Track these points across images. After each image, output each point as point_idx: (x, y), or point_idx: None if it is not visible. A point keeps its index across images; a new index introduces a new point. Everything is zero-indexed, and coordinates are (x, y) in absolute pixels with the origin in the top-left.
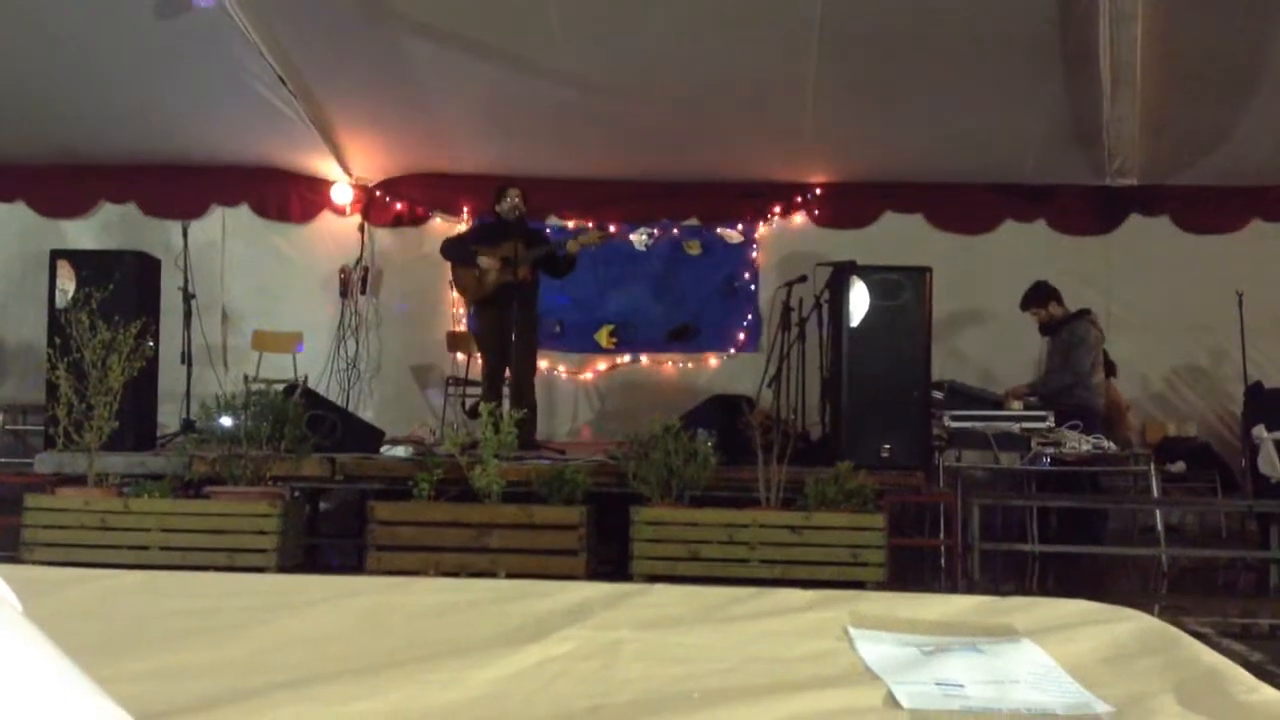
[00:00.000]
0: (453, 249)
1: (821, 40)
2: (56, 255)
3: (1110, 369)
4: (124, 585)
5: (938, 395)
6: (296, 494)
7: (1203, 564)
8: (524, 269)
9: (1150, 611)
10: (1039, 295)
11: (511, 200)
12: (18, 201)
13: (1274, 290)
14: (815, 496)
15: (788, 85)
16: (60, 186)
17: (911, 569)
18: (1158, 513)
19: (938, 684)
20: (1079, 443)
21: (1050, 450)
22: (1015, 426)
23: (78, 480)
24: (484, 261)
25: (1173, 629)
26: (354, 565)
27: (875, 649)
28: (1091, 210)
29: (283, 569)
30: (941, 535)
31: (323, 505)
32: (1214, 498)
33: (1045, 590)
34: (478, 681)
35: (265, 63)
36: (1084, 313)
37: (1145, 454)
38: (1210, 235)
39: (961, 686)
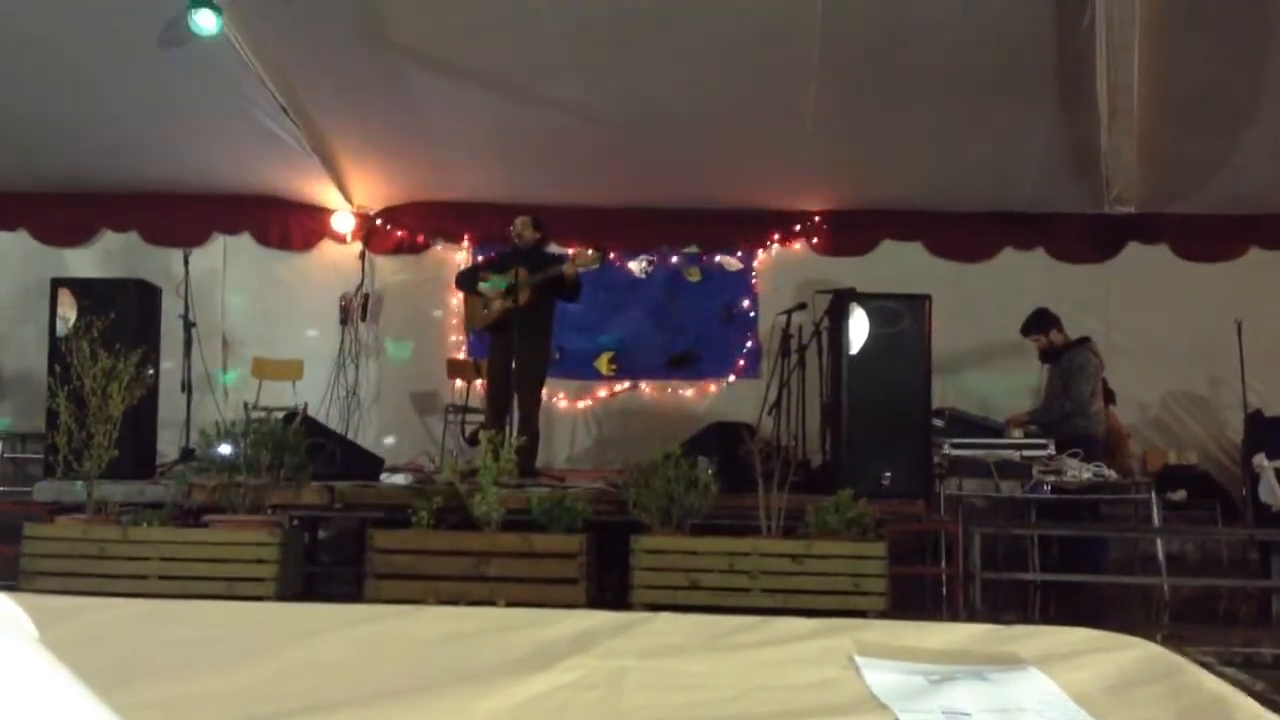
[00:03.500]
0: (463, 278)
1: (820, 69)
2: (58, 283)
3: (1110, 397)
4: (125, 615)
5: (938, 423)
6: (296, 522)
7: (1204, 593)
8: (525, 294)
9: (1153, 641)
10: (1040, 322)
11: (519, 227)
12: (20, 230)
13: (1273, 318)
14: (816, 525)
15: (787, 113)
16: (62, 215)
17: (913, 598)
18: (1159, 541)
19: (944, 712)
20: (1080, 471)
21: (1051, 478)
22: (1016, 454)
23: (77, 509)
24: (485, 288)
25: (1176, 656)
26: (353, 594)
27: (881, 677)
28: (1090, 238)
29: (282, 598)
30: (943, 564)
31: (322, 533)
32: (1215, 526)
33: (1047, 620)
34: (483, 712)
35: (267, 92)
36: (1084, 340)
37: (1146, 482)
38: (1209, 263)
39: (969, 715)
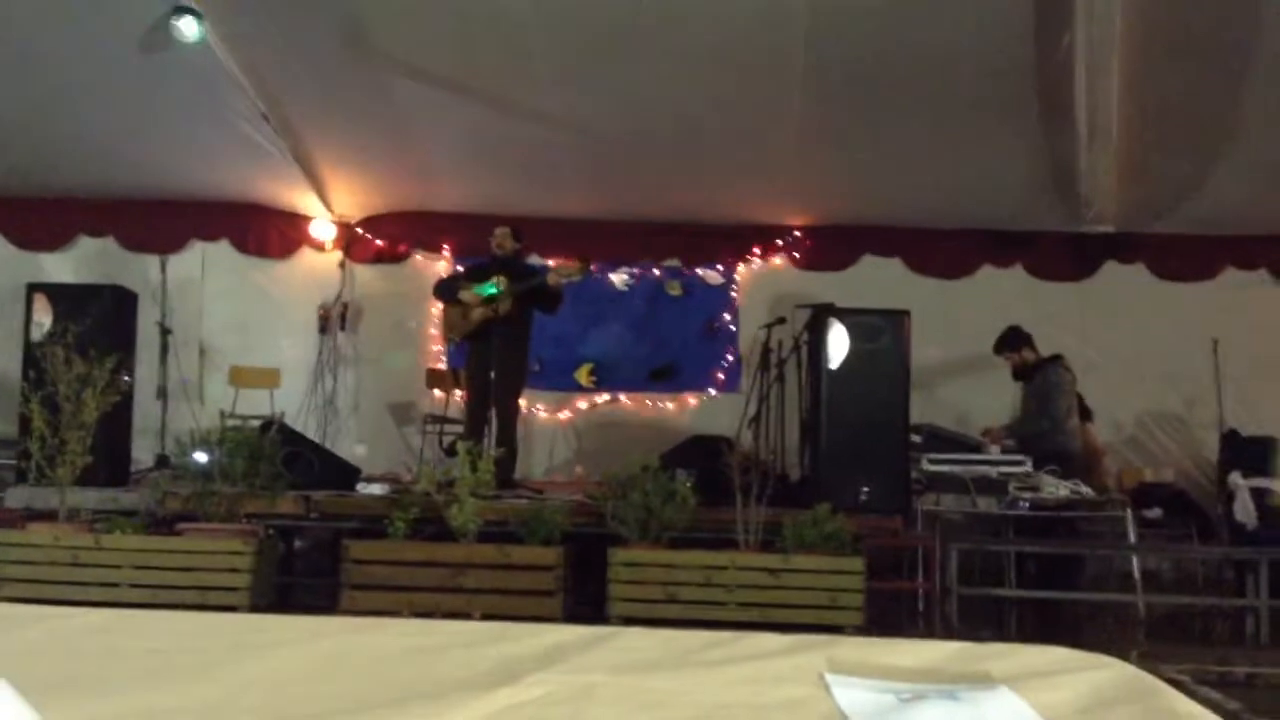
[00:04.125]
0: (443, 288)
1: (804, 85)
2: (33, 288)
3: (1086, 414)
4: (88, 624)
5: (916, 438)
6: (271, 532)
7: (1179, 611)
8: (505, 304)
9: (1128, 658)
10: (1012, 340)
11: (499, 238)
12: None
13: (1248, 338)
14: (794, 539)
15: (770, 129)
16: (38, 219)
17: (889, 613)
18: (1134, 559)
19: None
20: (1056, 487)
21: (1028, 495)
22: (993, 471)
23: (49, 515)
24: (465, 296)
25: (1150, 678)
26: (328, 605)
27: (852, 695)
28: (1068, 256)
29: (255, 608)
30: (920, 579)
31: (298, 543)
32: (1190, 544)
33: (1024, 636)
34: None
35: (248, 98)
36: (1056, 358)
37: (1122, 499)
38: (1185, 282)
39: None
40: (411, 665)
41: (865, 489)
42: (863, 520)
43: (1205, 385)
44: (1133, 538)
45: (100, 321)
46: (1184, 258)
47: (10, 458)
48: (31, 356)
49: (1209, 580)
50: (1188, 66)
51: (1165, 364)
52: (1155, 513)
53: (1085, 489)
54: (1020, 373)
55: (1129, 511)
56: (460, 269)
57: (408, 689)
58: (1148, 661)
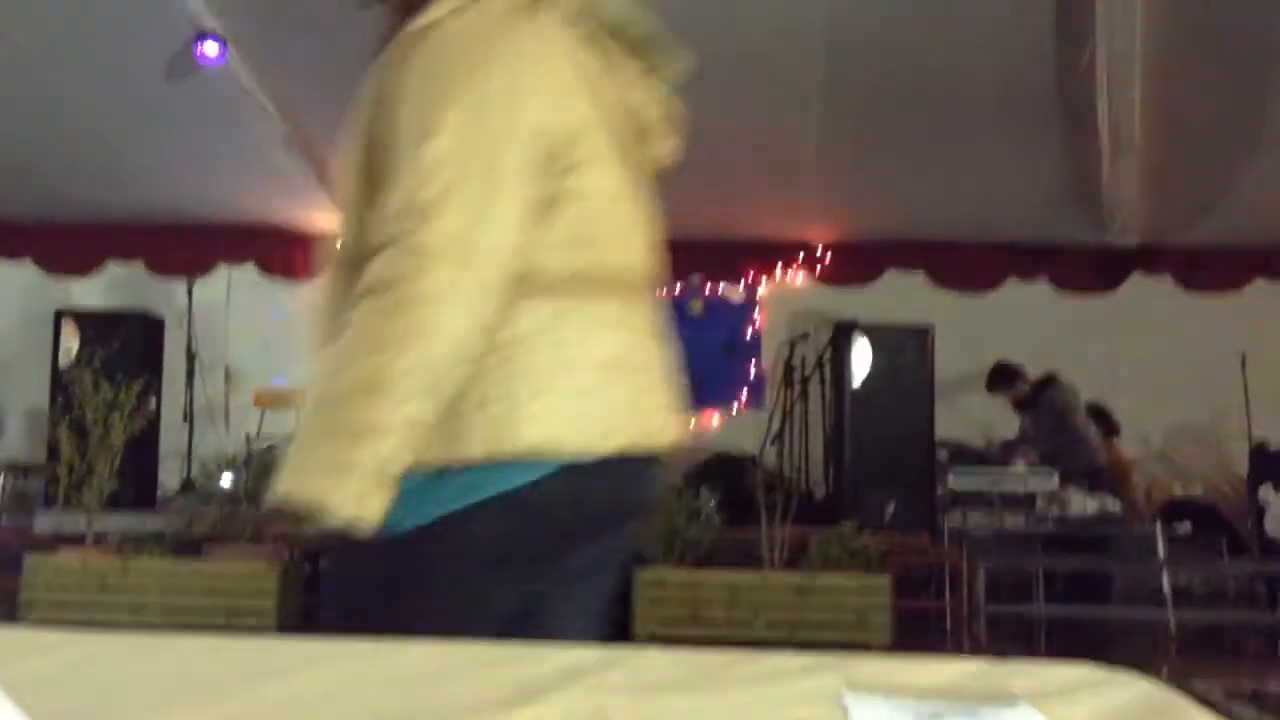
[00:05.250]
0: None
1: (823, 99)
2: (61, 315)
3: (1113, 428)
4: (108, 649)
5: (942, 455)
6: (296, 554)
7: (1211, 627)
8: None
9: (1159, 675)
10: (1005, 376)
11: None
12: (25, 260)
13: (1277, 350)
14: (820, 557)
15: (790, 144)
16: (67, 245)
17: (917, 631)
18: (1165, 575)
19: None
20: (1084, 503)
21: (1055, 511)
22: (1020, 486)
23: (77, 540)
24: None
25: (1175, 695)
26: None
27: (871, 714)
28: (1093, 269)
29: (282, 629)
30: (947, 597)
31: (323, 564)
32: (1221, 560)
33: (1053, 654)
34: None
35: (272, 122)
36: (1052, 379)
37: (1151, 515)
38: (1212, 295)
39: None
40: (431, 686)
41: (891, 506)
42: (888, 538)
43: (1234, 398)
44: (1162, 553)
45: (127, 347)
46: (1211, 269)
47: (40, 483)
48: (60, 382)
49: (1240, 596)
50: (1210, 76)
51: (1193, 377)
52: (1185, 528)
53: (1113, 504)
54: (1020, 403)
55: (1158, 526)
56: None
57: (427, 710)
58: (1179, 678)
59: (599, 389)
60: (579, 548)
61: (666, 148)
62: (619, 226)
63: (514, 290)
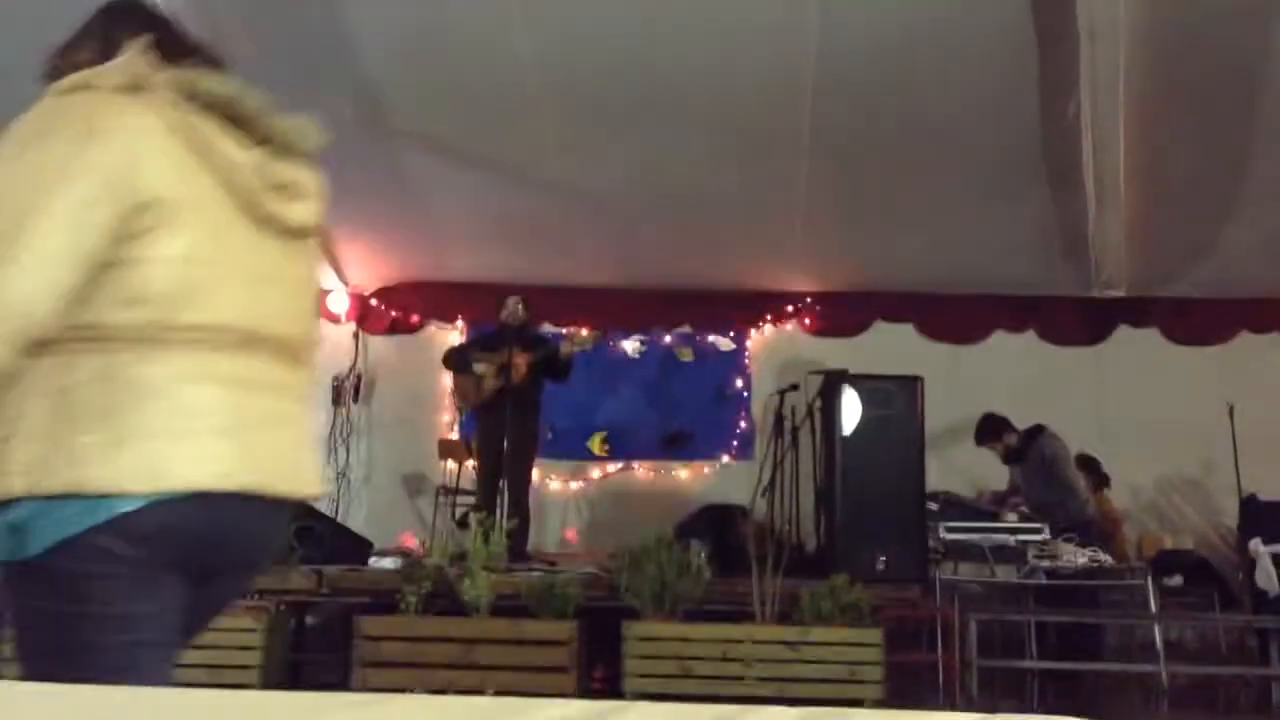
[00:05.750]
0: (453, 357)
1: (811, 151)
2: None
3: (1104, 481)
4: (95, 703)
5: (932, 506)
6: (282, 608)
7: (1203, 680)
8: (519, 373)
9: None
10: (993, 428)
11: (511, 307)
12: None
13: (1265, 402)
14: (811, 611)
15: (778, 196)
16: None
17: (909, 686)
18: (1156, 628)
19: None
20: (1075, 556)
21: (1046, 563)
22: (1011, 539)
23: None
24: (479, 366)
25: None
26: (340, 682)
27: None
28: (1080, 321)
29: (267, 685)
30: (939, 650)
31: (309, 620)
32: (1212, 612)
33: (1046, 707)
34: None
35: None
36: (1040, 429)
37: (1142, 567)
38: (1199, 347)
39: None
40: None
41: (883, 558)
42: (880, 590)
43: (1223, 450)
44: (1154, 606)
45: None
46: (1198, 321)
47: None
48: None
49: (1232, 649)
50: (1194, 130)
51: (1182, 428)
52: (1176, 580)
53: (1104, 556)
54: (1009, 456)
55: (1149, 579)
56: (469, 338)
57: None
58: None
59: (155, 433)
60: (161, 581)
61: (298, 212)
62: (195, 287)
63: (75, 343)
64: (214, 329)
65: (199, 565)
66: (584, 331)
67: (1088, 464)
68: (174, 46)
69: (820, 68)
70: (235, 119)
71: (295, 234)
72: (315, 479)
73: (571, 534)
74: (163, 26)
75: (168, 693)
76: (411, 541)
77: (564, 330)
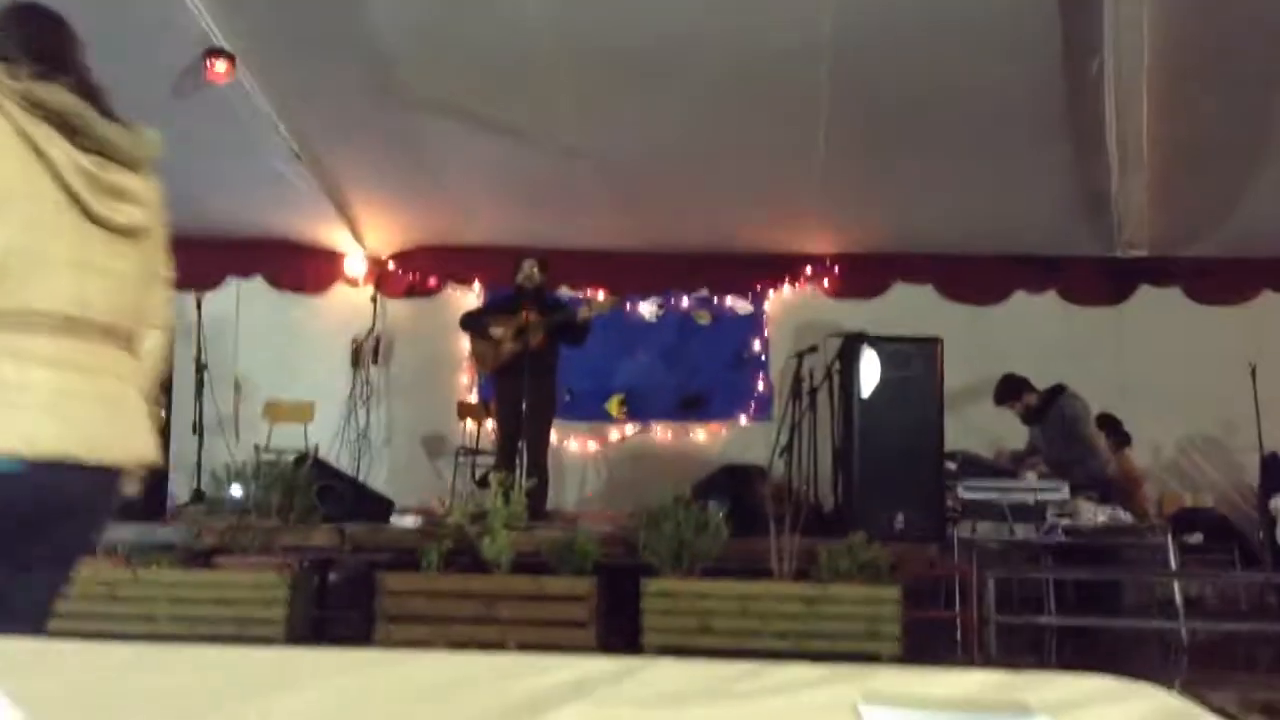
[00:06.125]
0: (470, 320)
1: (830, 111)
2: None
3: (1124, 439)
4: (120, 659)
5: (950, 466)
6: (306, 564)
7: (1223, 638)
8: (537, 337)
9: (1171, 686)
10: (1012, 388)
11: (527, 270)
12: None
13: None
14: (829, 568)
15: (796, 157)
16: None
17: (927, 643)
18: (1176, 585)
19: None
20: (1095, 514)
21: (1065, 521)
22: (1030, 497)
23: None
24: (496, 331)
25: (1191, 705)
26: (364, 637)
27: None
28: (1102, 281)
29: (291, 640)
30: (957, 608)
31: (332, 576)
32: (1233, 570)
33: (1064, 664)
34: None
35: (280, 137)
36: (1060, 389)
37: (1162, 525)
38: (1221, 306)
39: None
40: (440, 699)
41: (900, 517)
42: (898, 549)
43: (1244, 410)
44: (1174, 564)
45: None
46: (1220, 281)
47: None
48: None
49: (1252, 606)
50: (1218, 87)
51: (1203, 388)
52: (1196, 538)
53: (1124, 515)
54: (1029, 416)
55: (1169, 537)
56: (486, 301)
57: None
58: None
59: None
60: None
61: (126, 214)
62: (18, 275)
63: None
64: (38, 314)
65: (20, 522)
66: (601, 296)
67: (1109, 423)
68: (39, 55)
69: (839, 30)
70: (72, 128)
71: (124, 233)
72: (143, 447)
73: (594, 500)
74: (37, 36)
75: (197, 649)
76: (436, 506)
77: (582, 294)
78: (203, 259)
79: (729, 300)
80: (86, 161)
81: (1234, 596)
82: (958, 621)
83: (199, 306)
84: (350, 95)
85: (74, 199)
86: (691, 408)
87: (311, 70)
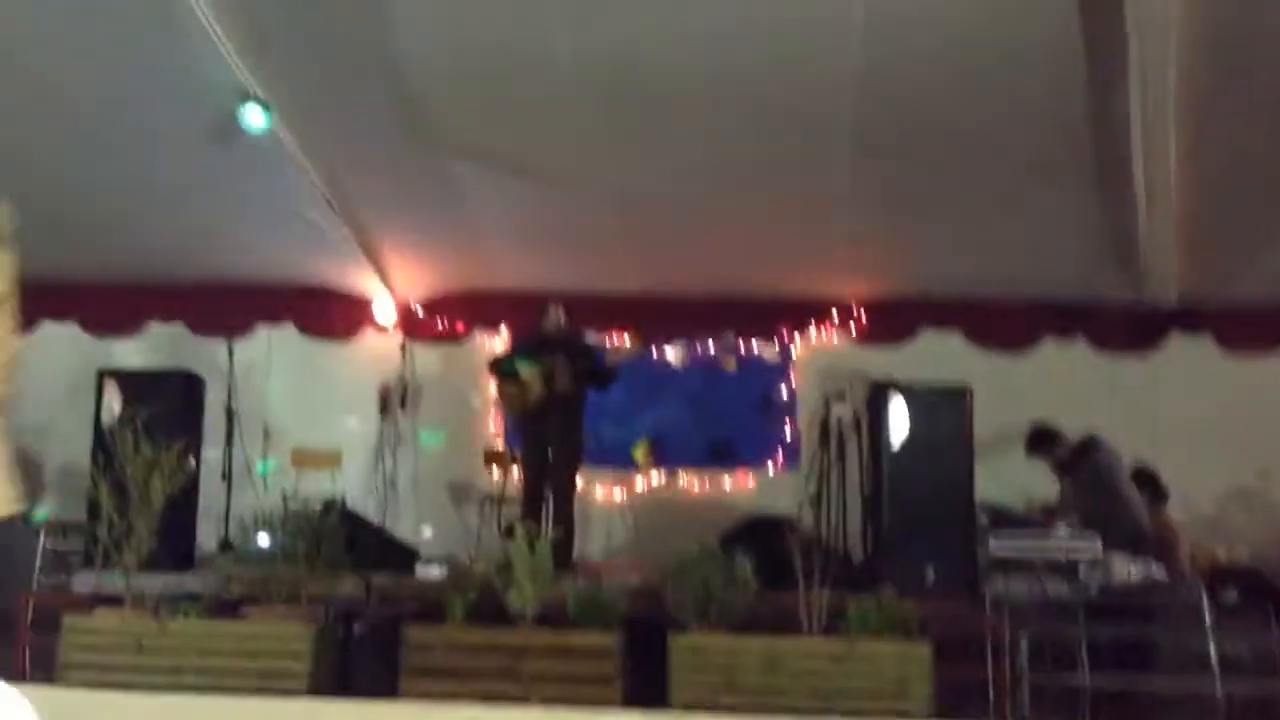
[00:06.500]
0: (498, 365)
1: (856, 157)
2: (104, 374)
3: (1163, 495)
4: (145, 710)
5: (981, 518)
6: (332, 616)
7: (1260, 697)
8: (564, 382)
9: None
10: (1043, 439)
11: (553, 316)
12: (70, 321)
13: None
14: (858, 624)
15: (822, 202)
16: (111, 306)
17: (958, 701)
18: (1211, 643)
19: None
20: (1128, 569)
21: (1098, 577)
22: (1062, 553)
23: (115, 600)
24: (525, 375)
25: None
26: (388, 690)
27: None
28: (1131, 328)
29: (316, 692)
30: (989, 665)
31: (357, 627)
32: (1270, 627)
33: None
34: None
35: (312, 183)
36: (1093, 442)
37: (1197, 582)
38: (1255, 354)
39: None
40: None
41: (931, 571)
42: (928, 604)
43: (1278, 459)
44: (1209, 622)
45: (170, 406)
46: (1252, 327)
47: (79, 543)
48: (101, 441)
49: None
50: (1246, 126)
51: (1237, 439)
52: (1232, 595)
53: (1158, 570)
54: (1064, 468)
55: (1204, 594)
56: (513, 346)
57: None
58: None
59: None
60: None
61: None
62: None
63: None
64: None
65: None
66: (628, 343)
67: (1148, 479)
68: None
69: (864, 70)
70: None
71: None
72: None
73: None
74: None
75: (222, 701)
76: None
77: (607, 338)
78: (234, 305)
79: (756, 346)
80: None
81: (1271, 655)
82: (990, 680)
83: (230, 353)
84: (381, 139)
85: None
86: (718, 455)
87: (343, 114)
